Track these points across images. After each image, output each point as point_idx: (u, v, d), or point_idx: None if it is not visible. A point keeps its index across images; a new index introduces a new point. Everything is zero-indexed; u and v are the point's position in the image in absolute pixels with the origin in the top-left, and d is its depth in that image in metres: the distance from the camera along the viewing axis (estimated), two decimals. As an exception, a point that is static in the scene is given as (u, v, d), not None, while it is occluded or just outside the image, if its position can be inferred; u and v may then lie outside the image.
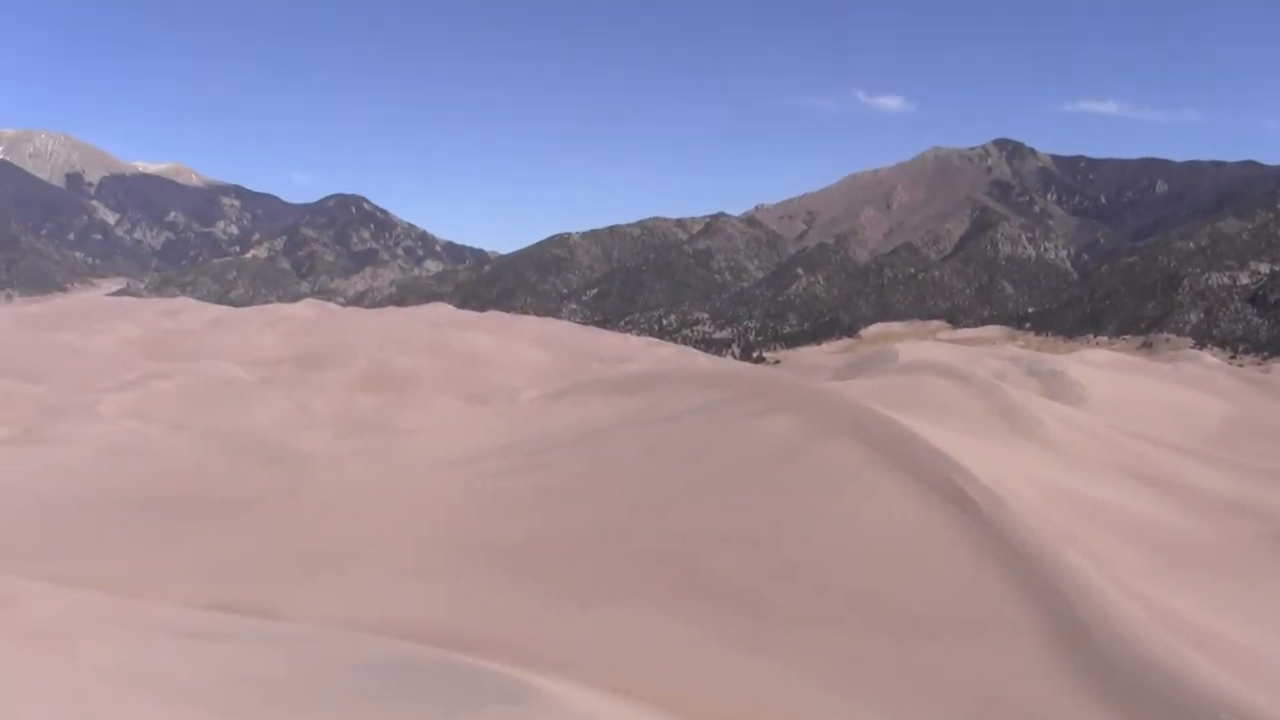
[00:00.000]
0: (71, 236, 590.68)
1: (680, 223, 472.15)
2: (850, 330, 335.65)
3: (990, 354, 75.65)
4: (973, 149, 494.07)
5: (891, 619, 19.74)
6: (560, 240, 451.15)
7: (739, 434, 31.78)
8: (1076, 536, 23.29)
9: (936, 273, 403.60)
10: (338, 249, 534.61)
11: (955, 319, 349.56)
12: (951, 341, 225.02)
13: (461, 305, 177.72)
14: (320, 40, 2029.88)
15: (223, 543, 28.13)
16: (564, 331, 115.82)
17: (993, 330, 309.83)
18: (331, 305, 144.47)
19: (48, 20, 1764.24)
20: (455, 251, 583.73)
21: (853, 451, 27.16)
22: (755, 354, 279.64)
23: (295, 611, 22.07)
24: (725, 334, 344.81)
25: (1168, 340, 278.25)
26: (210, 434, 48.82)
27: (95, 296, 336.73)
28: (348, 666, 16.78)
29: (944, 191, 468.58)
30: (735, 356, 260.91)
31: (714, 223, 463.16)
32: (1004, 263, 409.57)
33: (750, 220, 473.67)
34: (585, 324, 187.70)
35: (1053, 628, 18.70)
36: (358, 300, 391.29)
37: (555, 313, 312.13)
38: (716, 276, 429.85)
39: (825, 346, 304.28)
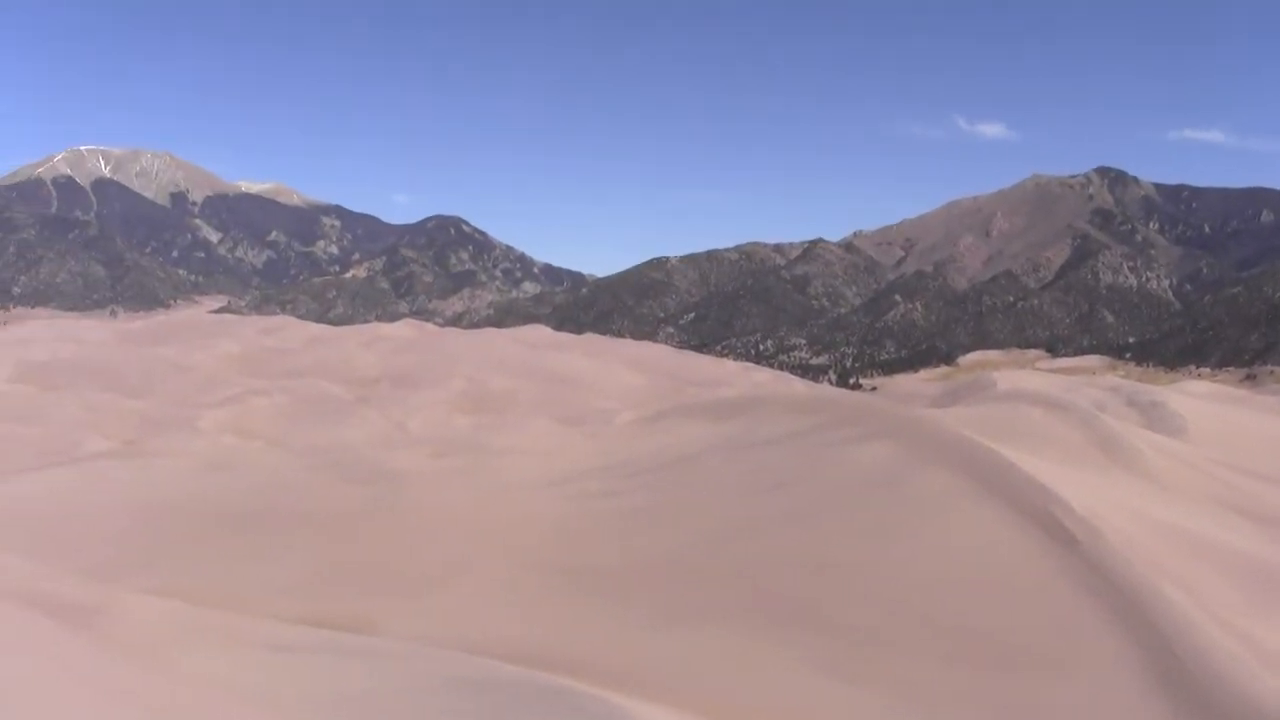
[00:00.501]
0: (175, 254, 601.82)
1: (778, 248, 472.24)
2: (948, 358, 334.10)
3: (1089, 384, 74.69)
4: (1074, 176, 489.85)
5: (985, 651, 19.51)
6: (658, 264, 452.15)
7: (834, 460, 31.60)
8: (1175, 571, 22.93)
9: (1036, 301, 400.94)
10: (436, 270, 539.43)
11: (1054, 348, 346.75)
12: (1050, 370, 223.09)
13: (558, 327, 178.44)
14: (422, 64, 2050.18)
15: (316, 559, 28.32)
16: (660, 355, 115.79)
17: (1092, 360, 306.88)
18: (429, 325, 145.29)
19: (155, 43, 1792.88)
20: (553, 274, 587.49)
21: (948, 480, 26.90)
22: (852, 380, 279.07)
23: (387, 628, 22.17)
24: (822, 360, 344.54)
25: (1272, 372, 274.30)
26: (307, 451, 49.22)
27: (197, 313, 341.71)
28: (437, 684, 16.82)
29: (1044, 219, 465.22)
30: (832, 383, 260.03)
31: (812, 248, 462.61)
32: (1105, 292, 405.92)
33: (848, 246, 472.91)
34: (682, 348, 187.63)
35: (1150, 664, 18.37)
36: (456, 321, 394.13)
37: (652, 336, 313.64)
38: (814, 302, 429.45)
39: (923, 374, 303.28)
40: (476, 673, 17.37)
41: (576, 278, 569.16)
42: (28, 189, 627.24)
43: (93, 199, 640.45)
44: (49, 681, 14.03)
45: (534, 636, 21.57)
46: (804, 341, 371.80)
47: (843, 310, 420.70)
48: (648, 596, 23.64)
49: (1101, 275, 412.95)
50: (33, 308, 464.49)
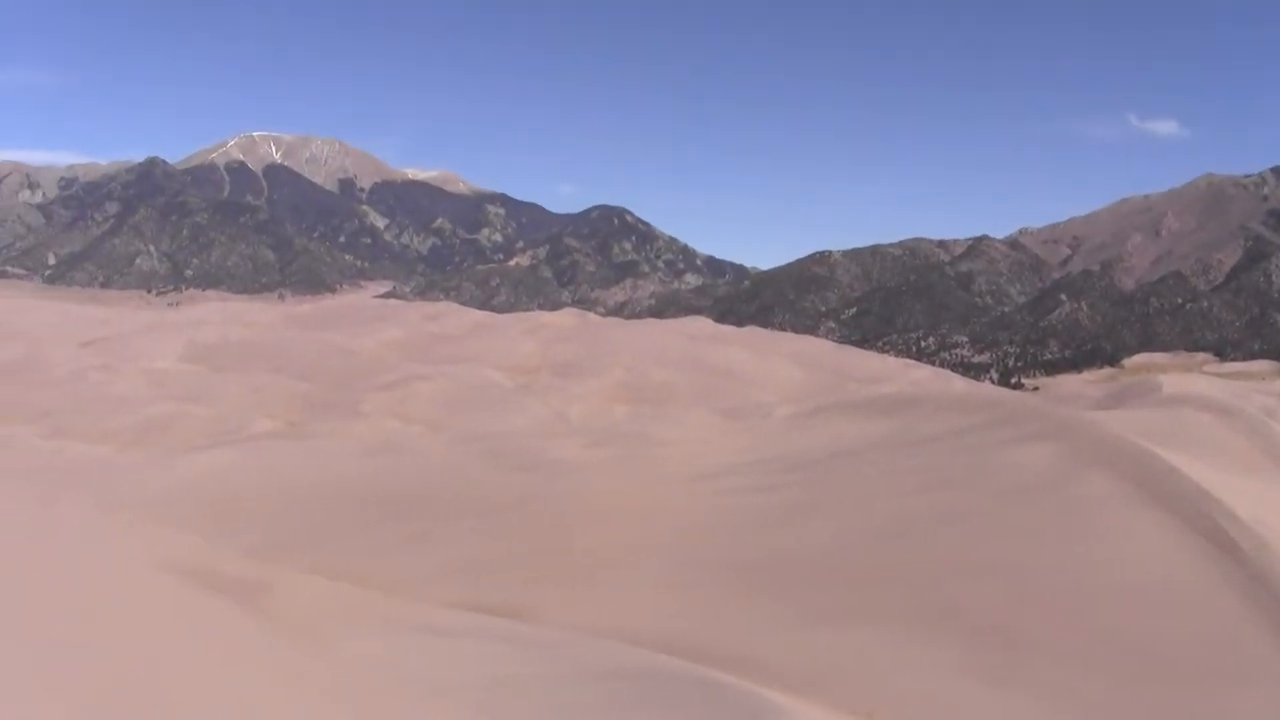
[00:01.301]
0: (342, 239, 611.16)
1: (942, 244, 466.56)
2: (1113, 359, 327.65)
3: (1259, 389, 73.26)
4: (1248, 176, 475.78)
5: (1146, 661, 19.13)
6: (821, 258, 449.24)
7: (992, 461, 31.20)
8: (1345, 584, 22.37)
9: (1205, 303, 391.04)
10: (599, 259, 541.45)
11: (1223, 352, 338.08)
12: (1218, 375, 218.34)
13: (720, 319, 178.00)
14: (589, 55, 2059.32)
15: (474, 544, 28.63)
16: (821, 350, 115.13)
17: (1263, 365, 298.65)
18: (591, 315, 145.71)
19: (327, 32, 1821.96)
20: (715, 266, 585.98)
21: (1110, 484, 26.44)
22: (1014, 380, 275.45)
23: (542, 616, 22.34)
24: (984, 358, 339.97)
25: None
26: (467, 437, 49.72)
27: (362, 298, 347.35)
28: (592, 673, 16.94)
29: (1216, 220, 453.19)
30: (993, 381, 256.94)
31: (977, 245, 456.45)
32: (1278, 295, 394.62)
33: (1014, 244, 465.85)
34: (843, 343, 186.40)
35: (1316, 679, 17.90)
36: (617, 311, 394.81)
37: (813, 330, 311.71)
38: (977, 300, 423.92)
39: (1086, 375, 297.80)
40: (629, 663, 17.48)
41: (739, 270, 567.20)
42: (201, 174, 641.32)
43: (264, 184, 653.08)
44: (217, 657, 14.43)
45: (686, 629, 21.63)
46: (966, 339, 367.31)
47: (1006, 308, 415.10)
48: (800, 592, 23.58)
49: (1275, 278, 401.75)
50: (204, 290, 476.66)
